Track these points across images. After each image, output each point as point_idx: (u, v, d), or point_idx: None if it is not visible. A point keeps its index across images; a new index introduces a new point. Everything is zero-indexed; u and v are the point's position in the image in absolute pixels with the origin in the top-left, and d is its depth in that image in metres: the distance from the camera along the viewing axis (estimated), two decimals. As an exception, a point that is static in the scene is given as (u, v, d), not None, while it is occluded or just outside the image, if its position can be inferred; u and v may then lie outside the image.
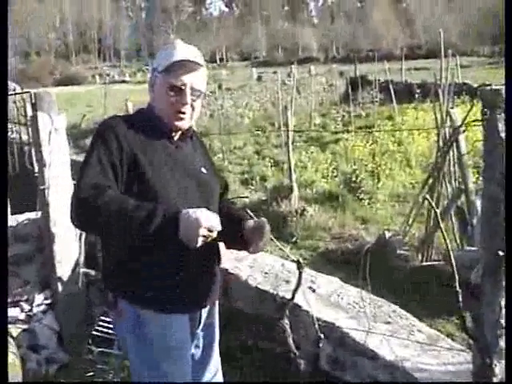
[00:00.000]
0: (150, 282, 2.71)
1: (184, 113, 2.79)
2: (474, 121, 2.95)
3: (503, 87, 2.64)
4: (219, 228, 2.50)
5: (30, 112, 5.56)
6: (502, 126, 2.65)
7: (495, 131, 2.67)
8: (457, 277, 2.65)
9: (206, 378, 3.18)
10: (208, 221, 2.45)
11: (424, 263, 7.01)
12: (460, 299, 2.61)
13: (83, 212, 2.51)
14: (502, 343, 2.67)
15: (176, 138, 2.88)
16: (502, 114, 2.64)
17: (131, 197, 2.55)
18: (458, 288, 2.67)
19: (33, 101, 5.29)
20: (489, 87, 2.73)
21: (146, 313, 2.74)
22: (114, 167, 2.59)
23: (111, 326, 4.31)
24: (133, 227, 2.46)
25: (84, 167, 2.60)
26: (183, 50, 2.78)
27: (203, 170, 2.94)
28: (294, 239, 8.62)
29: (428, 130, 11.27)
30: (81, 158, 9.97)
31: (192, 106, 2.81)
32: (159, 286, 2.71)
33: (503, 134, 2.64)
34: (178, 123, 2.81)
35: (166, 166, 2.74)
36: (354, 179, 11.18)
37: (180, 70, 2.74)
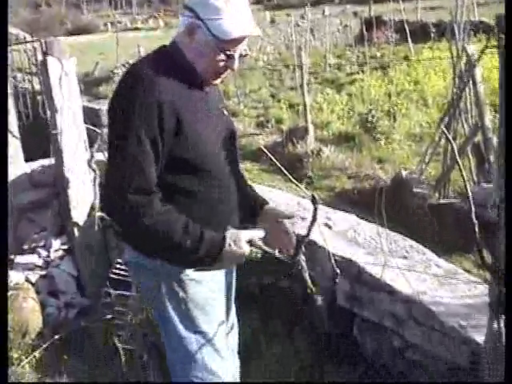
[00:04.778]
0: None
1: (223, 73, 2.68)
2: (491, 47, 2.86)
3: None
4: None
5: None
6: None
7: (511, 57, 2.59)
8: (473, 208, 2.61)
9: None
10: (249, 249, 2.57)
11: (441, 201, 6.98)
12: (477, 230, 2.57)
13: (126, 224, 2.47)
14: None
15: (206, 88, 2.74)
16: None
17: (171, 145, 2.47)
18: (474, 220, 2.62)
19: (43, 49, 5.25)
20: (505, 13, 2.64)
21: (185, 270, 2.66)
22: (154, 144, 2.43)
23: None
24: (179, 253, 2.48)
25: (122, 148, 2.43)
26: (247, 22, 2.56)
27: (225, 112, 2.88)
28: (309, 179, 8.61)
29: (443, 59, 11.06)
30: (94, 105, 9.90)
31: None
32: None
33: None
34: (213, 82, 2.70)
35: (201, 113, 2.62)
36: (369, 119, 11.11)
37: (238, 40, 2.55)
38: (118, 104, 2.51)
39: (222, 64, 2.59)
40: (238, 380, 3.24)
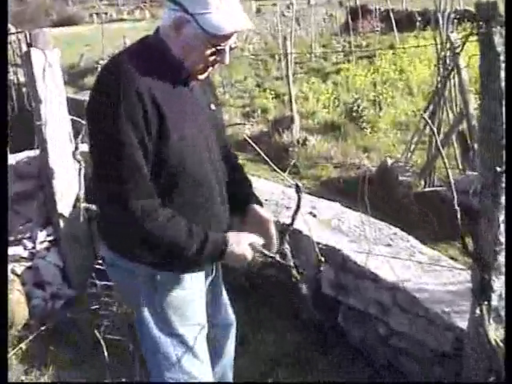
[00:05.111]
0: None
1: (212, 67, 2.55)
2: (470, 34, 2.86)
3: (499, -1, 2.57)
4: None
5: (25, 51, 5.50)
6: (497, 40, 2.58)
7: (491, 45, 2.61)
8: (455, 195, 2.63)
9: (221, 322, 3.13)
10: (252, 253, 2.59)
11: (426, 189, 7.01)
12: (459, 216, 2.59)
13: (132, 231, 2.43)
14: (501, 259, 2.67)
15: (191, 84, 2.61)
16: (498, 28, 2.57)
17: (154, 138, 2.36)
18: (456, 207, 2.64)
19: (27, 40, 5.22)
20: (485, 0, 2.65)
21: (163, 273, 2.62)
22: (143, 145, 2.33)
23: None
24: (182, 256, 2.47)
25: (113, 152, 2.32)
26: (238, 16, 2.44)
27: (212, 106, 2.75)
28: (295, 168, 8.62)
29: (428, 45, 11.04)
30: (79, 96, 9.84)
31: None
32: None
33: (499, 48, 2.58)
34: (200, 76, 2.57)
35: (186, 111, 2.50)
36: (355, 108, 11.13)
37: (230, 35, 2.44)
38: (100, 103, 2.38)
39: (211, 58, 2.48)
40: (232, 373, 3.26)
